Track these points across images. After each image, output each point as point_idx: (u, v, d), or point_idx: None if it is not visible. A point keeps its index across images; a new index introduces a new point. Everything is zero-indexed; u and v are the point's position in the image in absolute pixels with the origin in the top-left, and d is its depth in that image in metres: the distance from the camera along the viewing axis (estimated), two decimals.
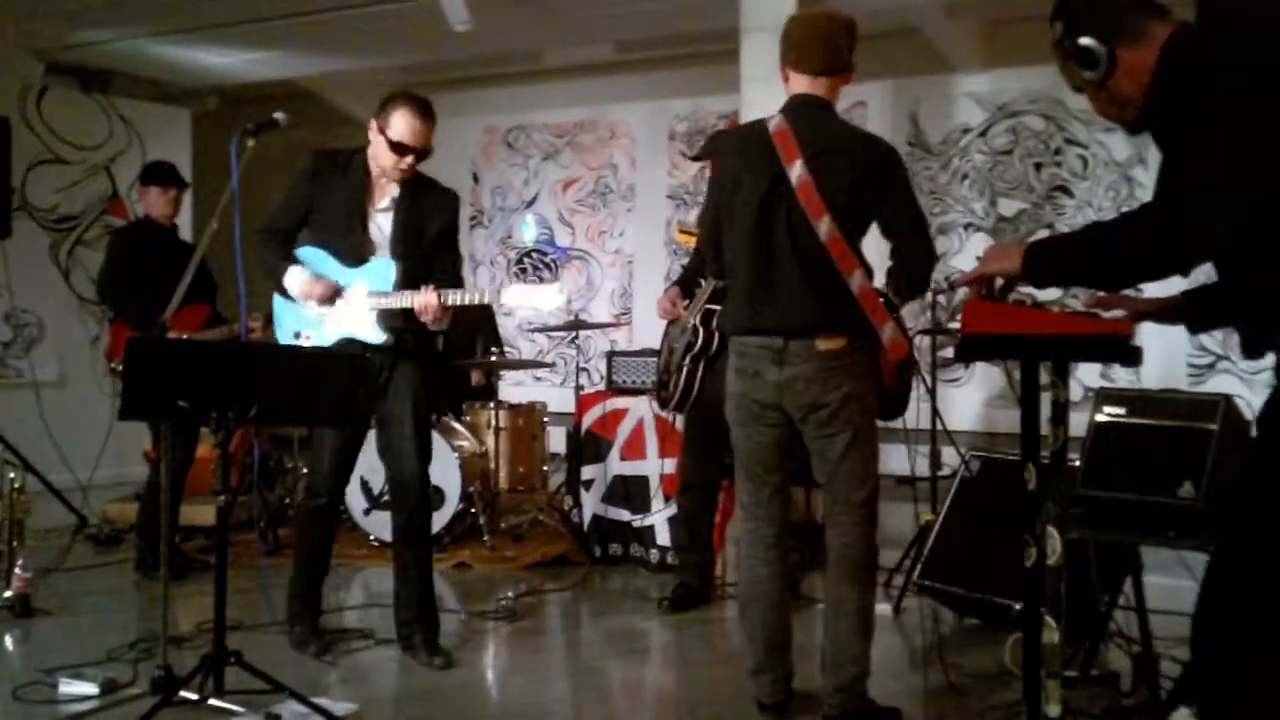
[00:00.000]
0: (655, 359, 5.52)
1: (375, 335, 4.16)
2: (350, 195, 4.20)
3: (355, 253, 4.19)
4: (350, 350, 4.16)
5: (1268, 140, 2.13)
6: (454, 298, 4.05)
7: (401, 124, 4.06)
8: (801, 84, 3.46)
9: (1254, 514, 2.22)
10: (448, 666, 4.20)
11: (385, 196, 4.23)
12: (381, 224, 4.23)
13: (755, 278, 3.45)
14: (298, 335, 4.26)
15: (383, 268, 4.17)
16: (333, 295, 4.17)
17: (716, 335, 4.73)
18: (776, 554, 3.62)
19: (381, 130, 4.09)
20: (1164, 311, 2.65)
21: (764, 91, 6.80)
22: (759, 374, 3.48)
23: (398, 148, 4.08)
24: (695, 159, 5.06)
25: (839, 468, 3.50)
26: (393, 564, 4.37)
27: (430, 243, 4.26)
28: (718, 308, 4.61)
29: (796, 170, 3.35)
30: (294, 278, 4.19)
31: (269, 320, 4.53)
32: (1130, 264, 2.32)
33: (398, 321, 4.17)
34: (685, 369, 4.84)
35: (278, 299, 4.31)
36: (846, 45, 3.48)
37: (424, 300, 4.02)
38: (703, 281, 4.90)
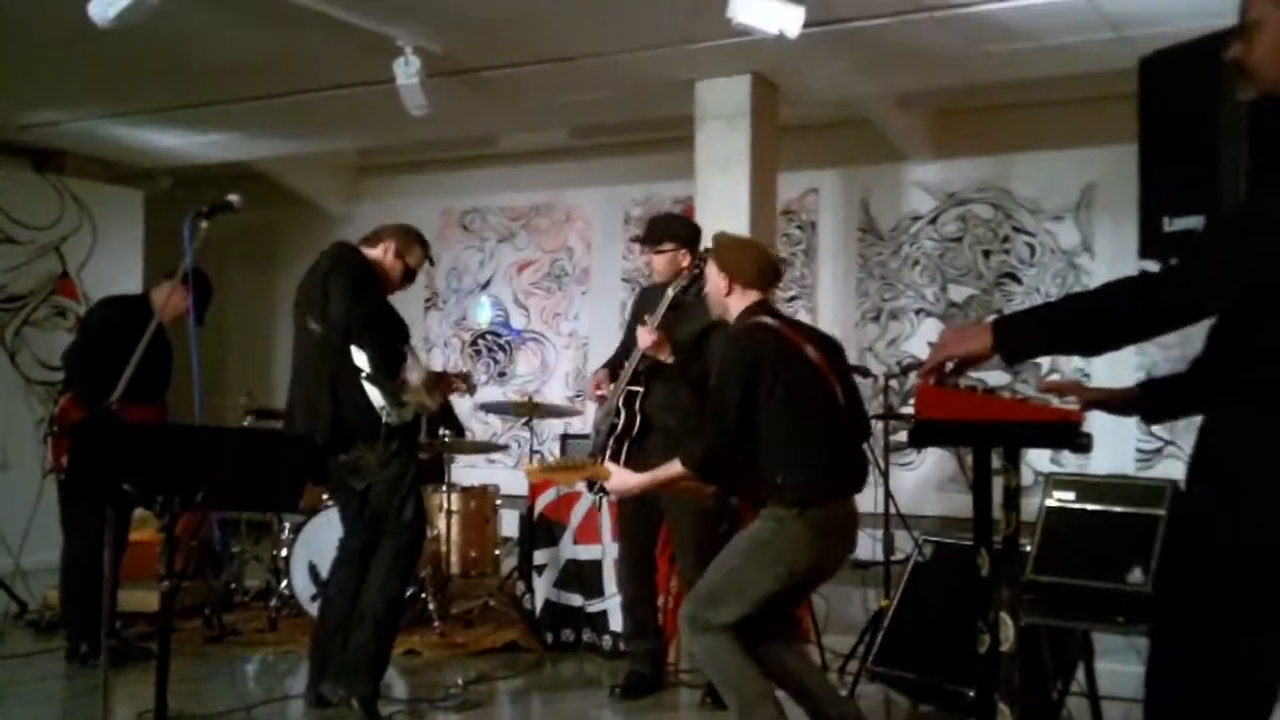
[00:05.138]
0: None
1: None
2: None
3: None
4: None
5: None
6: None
7: (417, 260, 4.87)
8: (754, 295, 3.99)
9: (1163, 597, 2.25)
10: None
11: None
12: None
13: (830, 444, 3.78)
14: None
15: None
16: None
17: (639, 416, 4.72)
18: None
19: (400, 256, 4.79)
20: (1116, 403, 2.66)
21: (718, 178, 6.92)
22: (849, 535, 3.82)
23: (410, 275, 4.89)
24: (637, 240, 5.19)
25: None
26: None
27: None
28: (640, 389, 4.67)
29: (812, 354, 3.83)
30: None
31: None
32: (1123, 322, 2.29)
33: None
34: (609, 450, 4.80)
35: None
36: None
37: None
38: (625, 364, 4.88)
